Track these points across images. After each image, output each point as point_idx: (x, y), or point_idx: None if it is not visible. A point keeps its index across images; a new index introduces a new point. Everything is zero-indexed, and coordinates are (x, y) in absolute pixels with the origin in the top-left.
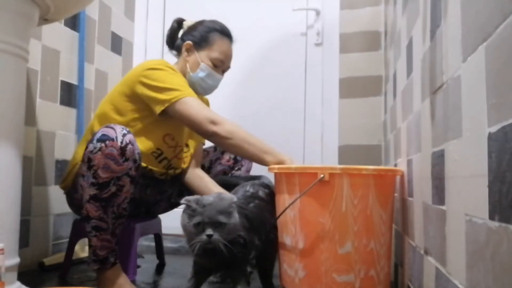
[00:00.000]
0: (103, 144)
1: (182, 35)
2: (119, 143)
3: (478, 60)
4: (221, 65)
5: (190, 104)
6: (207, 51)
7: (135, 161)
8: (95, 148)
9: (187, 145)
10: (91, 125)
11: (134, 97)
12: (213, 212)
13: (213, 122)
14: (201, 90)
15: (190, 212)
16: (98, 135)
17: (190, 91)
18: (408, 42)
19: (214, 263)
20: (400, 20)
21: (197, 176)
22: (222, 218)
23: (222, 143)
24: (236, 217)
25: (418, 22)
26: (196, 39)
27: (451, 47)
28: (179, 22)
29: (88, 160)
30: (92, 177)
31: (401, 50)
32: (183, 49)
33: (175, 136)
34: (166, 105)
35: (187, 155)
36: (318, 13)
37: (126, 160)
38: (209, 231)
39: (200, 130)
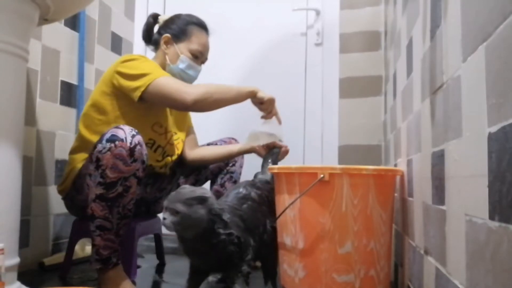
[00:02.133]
0: (112, 145)
1: (159, 29)
2: (128, 144)
3: (478, 60)
4: (200, 57)
5: (163, 84)
6: (186, 43)
7: (143, 162)
8: (104, 148)
9: (175, 132)
10: (81, 133)
11: (114, 94)
12: (174, 199)
13: (188, 93)
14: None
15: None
16: (107, 136)
17: (162, 72)
18: (408, 42)
19: (202, 261)
20: (400, 20)
21: (200, 150)
22: (178, 206)
23: (205, 106)
24: (198, 212)
25: (418, 22)
26: (175, 31)
27: (451, 47)
28: (154, 17)
29: (96, 160)
30: (99, 177)
31: (401, 50)
32: (162, 42)
33: (162, 123)
34: (142, 89)
35: (178, 141)
36: (318, 13)
37: (135, 161)
38: (164, 215)
39: (180, 104)
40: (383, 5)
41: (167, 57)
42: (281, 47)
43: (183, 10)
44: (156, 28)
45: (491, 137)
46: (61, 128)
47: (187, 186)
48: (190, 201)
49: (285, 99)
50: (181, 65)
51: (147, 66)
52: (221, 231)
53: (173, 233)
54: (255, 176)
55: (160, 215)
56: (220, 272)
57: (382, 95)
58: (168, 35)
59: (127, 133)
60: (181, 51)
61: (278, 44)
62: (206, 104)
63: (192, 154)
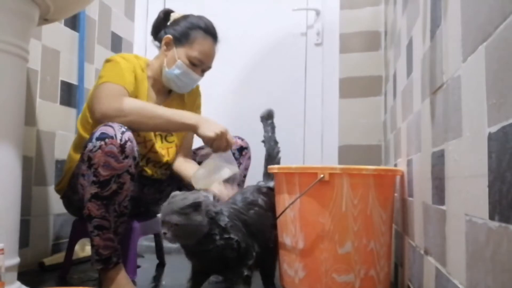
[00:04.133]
0: (102, 142)
1: (166, 28)
2: (118, 141)
3: (478, 60)
4: (199, 65)
5: (100, 89)
6: (186, 49)
7: (134, 158)
8: (94, 146)
9: (166, 141)
10: (78, 130)
11: None
12: (167, 211)
13: (102, 103)
14: (176, 87)
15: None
16: (97, 134)
17: (115, 78)
18: (408, 42)
19: (202, 264)
20: (400, 20)
21: (182, 164)
22: (174, 218)
23: (120, 122)
24: (195, 219)
25: (418, 22)
26: (177, 34)
27: (451, 47)
28: (166, 13)
29: (88, 159)
30: (92, 176)
31: (401, 50)
32: (163, 43)
33: (139, 132)
34: (91, 92)
35: (172, 145)
36: (318, 13)
37: (126, 157)
38: (163, 229)
39: (92, 114)
40: (383, 5)
41: (165, 60)
42: (281, 47)
43: (183, 10)
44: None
45: (491, 137)
46: (61, 128)
47: (178, 193)
48: (185, 210)
49: (285, 99)
50: (176, 71)
51: (109, 69)
52: (217, 236)
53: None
54: (258, 183)
55: (160, 215)
56: (220, 275)
57: (382, 95)
58: (169, 36)
59: (116, 130)
60: (179, 56)
61: (278, 44)
62: (116, 122)
63: (177, 164)
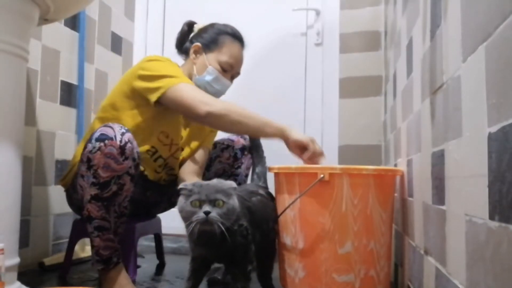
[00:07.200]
0: (102, 144)
1: (192, 38)
2: (118, 142)
3: (478, 60)
4: (230, 70)
5: (183, 90)
6: (216, 54)
7: (134, 159)
8: (94, 147)
9: (183, 149)
10: (93, 125)
11: (132, 94)
12: (211, 190)
13: (205, 103)
14: None
15: (187, 193)
16: (96, 135)
17: (186, 78)
18: (408, 42)
19: (212, 251)
20: (400, 20)
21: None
22: (221, 196)
23: (219, 123)
24: (235, 201)
25: (418, 22)
26: (206, 41)
27: (451, 47)
28: (189, 25)
29: (87, 160)
30: (92, 177)
31: (401, 50)
32: (191, 51)
33: (169, 134)
34: (161, 91)
35: (181, 154)
36: (318, 13)
37: (126, 158)
38: (206, 207)
39: (193, 114)
40: (383, 5)
41: (194, 68)
42: (281, 47)
43: (183, 11)
44: (190, 37)
45: (491, 137)
46: (61, 128)
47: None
48: (229, 191)
49: (285, 99)
50: (208, 77)
51: (171, 69)
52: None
53: (173, 232)
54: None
55: (161, 215)
56: (223, 263)
57: (382, 95)
58: (198, 44)
59: (116, 131)
60: (210, 62)
61: (278, 44)
62: (220, 121)
63: (180, 170)
